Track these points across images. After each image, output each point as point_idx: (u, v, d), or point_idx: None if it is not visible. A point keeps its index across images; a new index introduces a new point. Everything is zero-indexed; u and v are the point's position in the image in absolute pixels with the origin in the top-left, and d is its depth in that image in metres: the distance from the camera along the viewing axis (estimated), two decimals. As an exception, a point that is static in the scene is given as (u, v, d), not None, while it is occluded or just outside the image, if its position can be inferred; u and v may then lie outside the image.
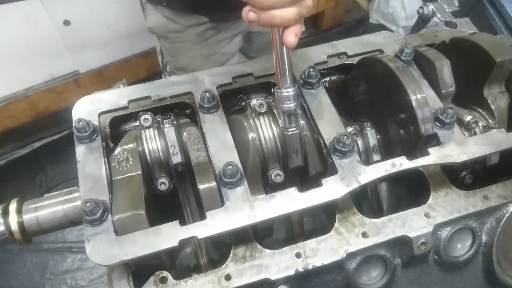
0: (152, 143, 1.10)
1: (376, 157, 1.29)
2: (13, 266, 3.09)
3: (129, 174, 1.03)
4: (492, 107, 1.23)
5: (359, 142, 1.29)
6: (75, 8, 3.05)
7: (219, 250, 1.23)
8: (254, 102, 1.11)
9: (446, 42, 1.35)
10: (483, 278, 1.24)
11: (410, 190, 1.31)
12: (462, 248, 1.20)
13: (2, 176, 3.44)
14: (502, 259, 1.22)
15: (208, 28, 1.95)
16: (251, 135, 1.09)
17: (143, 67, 3.62)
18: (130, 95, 1.16)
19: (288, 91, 1.00)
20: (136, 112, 1.19)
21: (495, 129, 1.11)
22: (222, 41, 2.05)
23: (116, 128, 1.23)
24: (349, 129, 1.28)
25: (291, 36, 0.93)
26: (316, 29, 4.11)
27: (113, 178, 1.02)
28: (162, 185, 1.12)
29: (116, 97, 1.16)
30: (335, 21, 4.12)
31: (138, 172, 1.03)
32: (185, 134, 1.12)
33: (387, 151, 1.28)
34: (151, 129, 1.11)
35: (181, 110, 1.27)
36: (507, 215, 1.18)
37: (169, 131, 1.08)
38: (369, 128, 1.29)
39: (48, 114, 3.55)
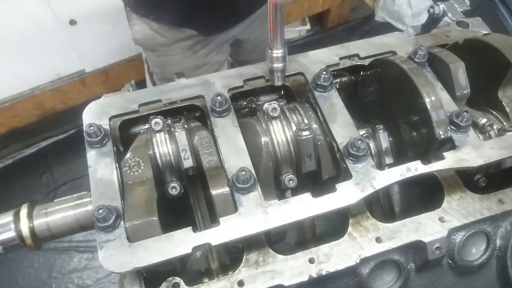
0: (163, 147, 1.09)
1: (388, 160, 1.27)
2: (21, 266, 3.10)
3: (141, 179, 1.02)
4: (507, 109, 1.21)
5: (371, 145, 1.28)
6: (81, 7, 3.05)
7: (230, 254, 1.22)
8: (266, 106, 1.10)
9: (459, 43, 1.33)
10: (497, 282, 1.22)
11: (423, 193, 1.29)
12: (476, 253, 1.18)
13: (9, 175, 3.45)
14: (516, 263, 1.20)
15: (197, 41, 1.91)
16: (264, 139, 1.07)
17: (145, 70, 3.61)
18: (141, 98, 1.15)
19: (278, 53, 1.13)
20: (146, 115, 1.18)
21: (511, 132, 1.09)
22: (211, 52, 2.01)
23: (126, 131, 1.22)
24: (361, 132, 1.26)
25: None
26: (322, 27, 4.09)
27: (124, 183, 1.01)
28: (173, 189, 1.11)
29: (126, 101, 1.15)
30: (340, 19, 4.10)
31: (150, 177, 1.02)
32: (196, 138, 1.11)
33: (400, 154, 1.27)
34: (162, 133, 1.10)
35: (191, 113, 1.26)
36: (522, 219, 1.16)
37: (180, 135, 1.07)
38: (381, 131, 1.27)
39: (54, 114, 3.56)
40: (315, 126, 1.10)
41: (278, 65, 1.15)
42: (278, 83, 1.17)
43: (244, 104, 1.35)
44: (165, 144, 1.09)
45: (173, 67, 2.00)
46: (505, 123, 1.20)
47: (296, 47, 3.89)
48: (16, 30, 2.96)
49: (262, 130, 1.09)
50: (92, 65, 3.45)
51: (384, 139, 1.27)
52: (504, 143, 1.09)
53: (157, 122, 1.08)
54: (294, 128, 1.07)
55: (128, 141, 1.16)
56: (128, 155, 1.06)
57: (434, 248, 1.09)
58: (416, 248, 1.11)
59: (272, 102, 1.11)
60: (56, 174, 3.48)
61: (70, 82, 3.47)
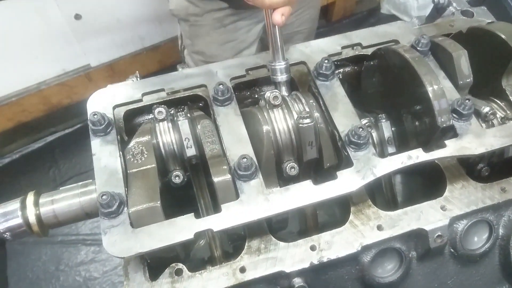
0: (166, 136, 1.10)
1: (391, 149, 1.27)
2: (29, 259, 3.14)
3: (144, 167, 1.03)
4: (511, 98, 1.21)
5: (374, 134, 1.28)
6: (86, 2, 3.06)
7: (233, 242, 1.24)
8: (268, 94, 1.10)
9: (463, 32, 1.32)
10: (499, 271, 1.22)
11: (426, 182, 1.29)
12: (478, 241, 1.18)
13: (16, 169, 3.48)
14: (519, 252, 1.20)
15: (227, 14, 1.95)
16: (265, 127, 1.08)
17: (154, 60, 3.62)
18: (144, 88, 1.16)
19: (280, 64, 1.18)
20: (150, 105, 1.19)
21: (514, 121, 1.09)
22: (241, 29, 2.05)
23: (130, 121, 1.23)
24: (364, 121, 1.26)
25: (278, 16, 1.12)
26: (327, 20, 4.07)
27: (128, 171, 1.02)
28: (177, 178, 1.12)
29: (130, 90, 1.16)
30: (346, 12, 4.07)
31: (153, 165, 1.03)
32: (199, 126, 1.11)
33: (402, 143, 1.27)
34: (165, 122, 1.10)
35: (194, 103, 1.27)
36: (525, 207, 1.16)
37: (183, 124, 1.08)
38: (383, 120, 1.27)
39: (61, 108, 3.58)
40: (316, 114, 1.11)
41: (282, 76, 1.19)
42: (284, 94, 1.20)
43: (248, 94, 1.36)
44: (168, 133, 1.10)
45: (203, 38, 2.06)
46: (508, 112, 1.20)
47: (301, 40, 3.87)
48: (22, 26, 2.99)
49: (264, 118, 1.10)
50: (98, 59, 3.46)
51: (387, 129, 1.27)
52: (506, 131, 1.08)
53: (160, 111, 1.09)
54: (295, 116, 1.07)
55: (132, 131, 1.18)
56: (131, 143, 1.07)
57: (436, 237, 1.09)
58: (417, 236, 1.11)
59: (273, 90, 1.12)
60: (63, 168, 3.51)
61: (76, 76, 3.48)
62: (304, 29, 2.31)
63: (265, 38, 2.27)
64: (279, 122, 1.09)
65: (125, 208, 0.96)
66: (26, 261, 3.12)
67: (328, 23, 4.04)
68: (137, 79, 1.34)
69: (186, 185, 1.18)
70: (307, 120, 1.01)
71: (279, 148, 1.10)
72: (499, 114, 1.19)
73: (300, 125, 1.02)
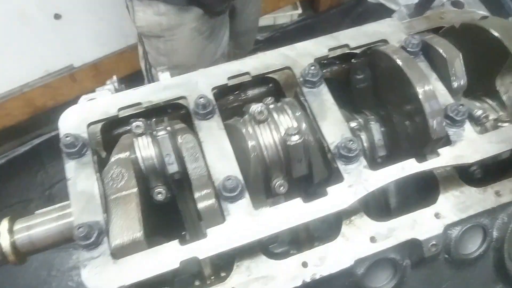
0: (145, 151, 1.04)
1: (381, 152, 1.22)
2: (19, 265, 3.09)
3: (125, 193, 0.97)
4: (504, 98, 1.16)
5: (363, 137, 1.23)
6: (65, 1, 2.96)
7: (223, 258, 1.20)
8: (253, 108, 1.04)
9: (455, 27, 1.27)
10: (494, 274, 1.20)
11: (419, 186, 1.25)
12: (473, 246, 1.16)
13: (3, 174, 3.40)
14: (513, 253, 1.18)
15: (203, 21, 1.88)
16: (251, 144, 1.03)
17: (141, 66, 3.53)
18: (120, 102, 1.10)
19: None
20: (128, 116, 1.13)
21: (507, 124, 1.05)
22: (216, 32, 2.02)
23: (108, 134, 1.17)
24: (353, 124, 1.22)
25: None
26: (314, 11, 3.99)
27: (107, 198, 0.97)
28: (159, 195, 1.06)
29: (105, 105, 1.10)
30: (332, 1, 3.99)
31: (134, 190, 0.98)
32: (180, 141, 1.06)
33: (393, 145, 1.22)
34: (144, 136, 1.04)
35: (175, 111, 1.21)
36: (520, 209, 1.13)
37: (163, 139, 1.02)
38: (373, 122, 1.22)
39: (46, 111, 3.50)
40: (304, 126, 1.06)
41: None
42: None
43: (231, 98, 1.31)
44: (147, 148, 1.04)
45: (182, 51, 1.99)
46: (501, 113, 1.16)
47: (288, 32, 3.79)
48: (1, 27, 2.89)
49: (249, 135, 1.04)
50: (81, 59, 3.37)
51: (377, 131, 1.22)
52: (501, 136, 1.04)
53: (138, 125, 1.02)
54: (282, 131, 1.02)
55: (110, 143, 1.12)
56: (109, 164, 1.01)
57: (430, 245, 1.06)
58: (411, 246, 1.08)
59: (258, 104, 1.06)
60: (51, 171, 3.44)
61: (60, 77, 3.40)
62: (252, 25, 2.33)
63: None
64: (266, 139, 1.03)
65: (105, 238, 0.91)
66: (17, 268, 3.03)
67: (315, 13, 3.96)
68: (115, 85, 1.29)
69: (171, 201, 1.13)
70: (296, 137, 0.96)
71: (266, 165, 1.05)
72: (492, 116, 1.15)
73: (288, 142, 0.96)
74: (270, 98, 1.14)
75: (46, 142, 3.53)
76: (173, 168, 1.04)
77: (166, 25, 1.86)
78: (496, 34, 1.12)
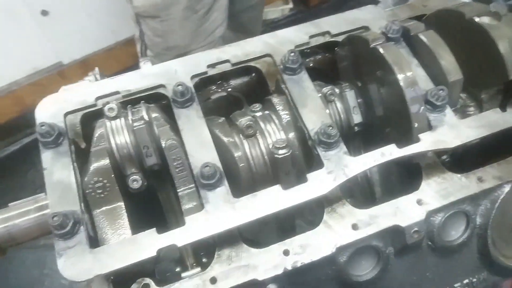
0: (120, 137, 1.02)
1: (357, 118, 1.21)
2: (11, 265, 3.08)
3: (110, 206, 0.97)
4: (483, 105, 1.16)
5: (338, 104, 1.20)
6: (52, -3, 2.94)
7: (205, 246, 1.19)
8: (242, 122, 1.04)
9: (437, 14, 1.26)
10: (478, 260, 1.20)
11: (402, 172, 1.25)
12: (456, 232, 1.15)
13: (-6, 174, 3.39)
14: (497, 239, 1.18)
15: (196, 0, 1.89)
16: (239, 160, 1.03)
17: (128, 54, 3.51)
18: (98, 91, 1.09)
19: None
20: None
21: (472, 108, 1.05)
22: (212, 9, 2.02)
23: (88, 125, 1.14)
24: (325, 90, 1.19)
25: None
26: (305, 5, 3.98)
27: (92, 212, 0.96)
28: (134, 182, 1.04)
29: (83, 94, 1.08)
30: (324, -5, 3.99)
31: (120, 204, 0.97)
32: (157, 130, 1.04)
33: (370, 113, 1.21)
34: (118, 120, 1.01)
35: (156, 101, 1.19)
36: (501, 196, 1.13)
37: (140, 130, 1.00)
38: (348, 90, 1.20)
39: (35, 109, 3.47)
40: (292, 135, 1.05)
41: None
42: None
43: (214, 88, 1.30)
44: (122, 134, 1.02)
45: (176, 31, 2.01)
46: (482, 96, 1.15)
47: (279, 27, 3.77)
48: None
49: (237, 147, 1.04)
50: (70, 56, 3.35)
51: (351, 97, 1.20)
52: (481, 121, 1.04)
53: (111, 107, 1.00)
54: (270, 143, 1.03)
55: (90, 134, 1.10)
56: (89, 176, 1.00)
57: (413, 232, 1.06)
58: (394, 233, 1.07)
59: (247, 117, 1.05)
60: (41, 170, 3.41)
61: (48, 75, 3.38)
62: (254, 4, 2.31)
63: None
64: (254, 152, 1.05)
65: (81, 227, 0.90)
66: (9, 268, 3.05)
67: (306, 8, 3.96)
68: (96, 77, 1.27)
69: (150, 189, 1.12)
70: (283, 151, 0.94)
71: (254, 176, 1.05)
72: (473, 102, 1.14)
73: (276, 155, 0.95)
74: (257, 105, 1.14)
75: (36, 140, 3.48)
76: (151, 160, 1.03)
77: (161, 4, 1.88)
78: (477, 20, 1.11)
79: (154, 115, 1.04)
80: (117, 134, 1.02)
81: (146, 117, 1.03)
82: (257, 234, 1.17)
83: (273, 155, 0.95)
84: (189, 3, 1.92)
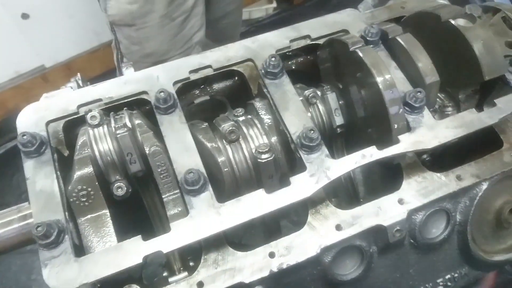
0: (103, 144, 1.01)
1: (339, 120, 1.23)
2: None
3: (95, 214, 0.97)
4: (461, 104, 1.19)
5: (320, 106, 1.22)
6: (32, 0, 2.89)
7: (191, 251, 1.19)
8: (225, 127, 1.05)
9: (414, 16, 1.28)
10: (459, 256, 1.23)
11: (384, 172, 1.27)
12: (437, 230, 1.19)
13: (-22, 179, 3.33)
14: (476, 235, 1.21)
15: (174, 7, 1.89)
16: (223, 165, 1.04)
17: (113, 56, 3.48)
18: (80, 98, 1.08)
19: None
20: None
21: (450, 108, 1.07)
22: (190, 17, 2.00)
23: (71, 132, 1.14)
24: (307, 93, 1.21)
25: None
26: (289, 3, 4.00)
27: (77, 220, 0.96)
28: (119, 189, 1.04)
29: (65, 102, 1.08)
30: (307, -7, 4.01)
31: (105, 211, 0.97)
32: (141, 138, 1.04)
33: (351, 115, 1.22)
34: (101, 127, 1.01)
35: (139, 107, 1.19)
36: (480, 193, 1.16)
37: (123, 138, 1.00)
38: (329, 92, 1.22)
39: (18, 113, 3.42)
40: (274, 139, 1.06)
41: None
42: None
43: (197, 93, 1.30)
44: (105, 141, 1.02)
45: (153, 39, 1.98)
46: (460, 96, 1.18)
47: (263, 27, 3.79)
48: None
49: (220, 153, 1.05)
50: (53, 59, 3.31)
51: (333, 100, 1.22)
52: (458, 121, 1.07)
53: (93, 115, 0.99)
54: (253, 147, 1.04)
55: (73, 142, 1.09)
56: (73, 184, 0.99)
57: (395, 231, 1.08)
58: (376, 232, 1.10)
59: (229, 123, 1.06)
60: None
61: (31, 78, 3.33)
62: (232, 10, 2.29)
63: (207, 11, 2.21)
64: (237, 157, 1.06)
65: (66, 236, 0.90)
66: (-4, 272, 3.01)
67: (290, 6, 3.97)
68: (78, 83, 1.26)
69: (135, 195, 1.12)
70: (266, 155, 0.94)
71: (237, 183, 1.06)
72: (450, 102, 1.17)
73: (259, 160, 0.96)
74: (240, 110, 1.15)
75: (20, 145, 3.46)
76: (136, 167, 1.02)
77: (137, 12, 1.86)
78: (452, 22, 1.14)
79: (137, 121, 1.04)
80: (100, 141, 1.01)
81: (129, 124, 1.03)
82: (243, 236, 1.18)
83: (256, 160, 0.96)
84: (166, 11, 1.89)
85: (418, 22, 1.25)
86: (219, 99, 1.33)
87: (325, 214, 1.08)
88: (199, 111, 1.33)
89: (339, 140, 1.30)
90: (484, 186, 1.16)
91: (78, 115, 1.08)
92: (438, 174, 1.14)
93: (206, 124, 1.13)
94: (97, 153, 1.02)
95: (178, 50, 2.05)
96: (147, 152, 1.02)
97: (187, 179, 0.93)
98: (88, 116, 1.01)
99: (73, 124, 1.14)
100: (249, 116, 1.13)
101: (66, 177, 1.04)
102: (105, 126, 1.03)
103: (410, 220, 1.12)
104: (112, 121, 1.04)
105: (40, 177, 0.97)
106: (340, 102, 1.23)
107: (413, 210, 1.10)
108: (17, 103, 3.39)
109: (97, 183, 1.00)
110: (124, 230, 1.06)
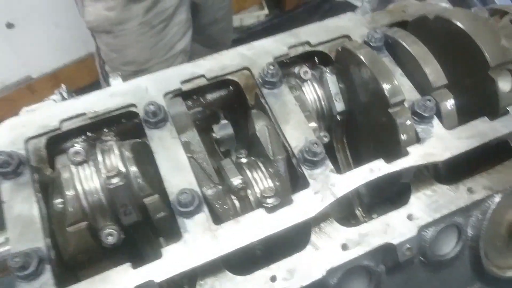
0: (88, 183, 0.89)
1: (339, 106, 1.15)
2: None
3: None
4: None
5: (319, 91, 1.15)
6: (17, 9, 2.80)
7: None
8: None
9: (420, 20, 1.22)
10: (471, 272, 1.17)
11: (390, 186, 1.20)
12: (448, 246, 1.12)
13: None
14: (489, 250, 1.15)
15: (154, 15, 1.82)
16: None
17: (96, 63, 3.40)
18: (62, 113, 1.00)
19: None
20: (72, 130, 1.01)
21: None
22: (171, 24, 1.93)
23: (54, 148, 1.04)
24: (296, 69, 1.13)
25: None
26: (281, 9, 3.96)
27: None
28: (109, 237, 0.89)
29: (46, 117, 0.99)
30: (299, 0, 3.97)
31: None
32: (136, 186, 0.92)
33: (353, 100, 1.14)
34: (85, 164, 0.89)
35: (127, 120, 1.11)
36: (492, 206, 1.10)
37: (117, 190, 0.86)
38: (329, 74, 1.13)
39: (4, 125, 3.31)
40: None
41: None
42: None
43: (189, 105, 1.22)
44: (91, 180, 0.89)
45: (132, 47, 1.92)
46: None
47: (255, 33, 3.74)
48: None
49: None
50: (39, 70, 3.22)
51: (333, 83, 1.12)
52: (471, 131, 1.00)
53: (77, 151, 0.88)
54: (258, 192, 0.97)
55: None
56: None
57: (405, 249, 1.01)
58: (385, 251, 1.02)
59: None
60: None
61: (17, 89, 3.24)
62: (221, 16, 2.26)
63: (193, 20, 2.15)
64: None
65: (47, 266, 0.81)
66: (-20, 295, 2.88)
67: (281, 13, 3.93)
68: (62, 95, 1.18)
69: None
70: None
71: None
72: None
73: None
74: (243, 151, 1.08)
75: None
76: (131, 218, 0.92)
77: (115, 19, 1.80)
78: (460, 25, 1.08)
79: (127, 153, 0.92)
80: (85, 182, 0.89)
81: (122, 167, 0.90)
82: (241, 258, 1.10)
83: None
84: (144, 19, 1.83)
85: (423, 26, 1.19)
86: (213, 109, 1.26)
87: (329, 233, 1.01)
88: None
89: (339, 130, 1.20)
90: (497, 198, 1.09)
91: (60, 131, 0.99)
92: (448, 187, 1.07)
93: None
94: (81, 196, 0.89)
95: (160, 58, 1.98)
96: (145, 203, 0.92)
97: (180, 200, 0.85)
98: (71, 151, 0.89)
99: (57, 140, 1.05)
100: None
101: (48, 197, 0.95)
102: (91, 163, 0.91)
103: (420, 236, 1.05)
104: (99, 157, 0.92)
105: (18, 201, 0.88)
106: (340, 86, 1.13)
107: (424, 226, 1.03)
108: (3, 115, 3.23)
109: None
110: (111, 255, 0.97)
